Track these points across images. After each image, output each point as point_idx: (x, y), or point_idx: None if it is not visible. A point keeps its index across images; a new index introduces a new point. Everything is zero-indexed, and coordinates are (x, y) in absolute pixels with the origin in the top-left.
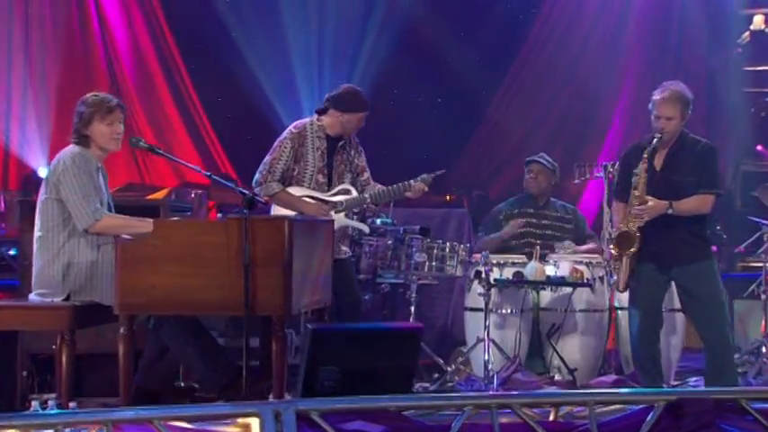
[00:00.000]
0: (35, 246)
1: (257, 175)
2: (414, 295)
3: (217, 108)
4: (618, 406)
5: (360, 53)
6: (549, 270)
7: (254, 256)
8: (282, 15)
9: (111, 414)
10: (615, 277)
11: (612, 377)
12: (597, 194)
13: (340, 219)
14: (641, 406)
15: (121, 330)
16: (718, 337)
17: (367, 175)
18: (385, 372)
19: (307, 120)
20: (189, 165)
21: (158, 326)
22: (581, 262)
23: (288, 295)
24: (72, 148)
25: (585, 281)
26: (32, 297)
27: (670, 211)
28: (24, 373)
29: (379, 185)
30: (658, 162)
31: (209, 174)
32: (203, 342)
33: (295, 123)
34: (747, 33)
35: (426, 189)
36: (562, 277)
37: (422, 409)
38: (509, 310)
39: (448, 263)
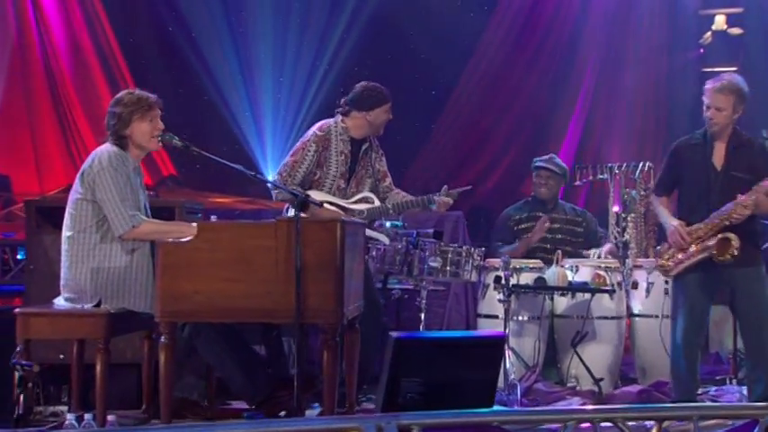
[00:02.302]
0: (63, 246)
1: (276, 177)
2: (424, 301)
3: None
4: (719, 421)
5: (319, 61)
6: (569, 275)
7: (304, 260)
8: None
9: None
10: (669, 262)
11: (637, 387)
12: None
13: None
14: (745, 421)
15: (162, 339)
16: (763, 343)
17: (389, 180)
18: (468, 383)
19: (331, 121)
20: (233, 165)
21: (194, 335)
22: (599, 267)
23: (340, 302)
24: (108, 147)
25: (609, 286)
26: (59, 302)
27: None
28: (29, 385)
29: (402, 193)
30: (718, 159)
31: (253, 174)
32: (242, 352)
33: (320, 125)
34: (709, 34)
35: (451, 203)
36: (585, 283)
37: (526, 424)
38: (526, 318)
39: (463, 267)
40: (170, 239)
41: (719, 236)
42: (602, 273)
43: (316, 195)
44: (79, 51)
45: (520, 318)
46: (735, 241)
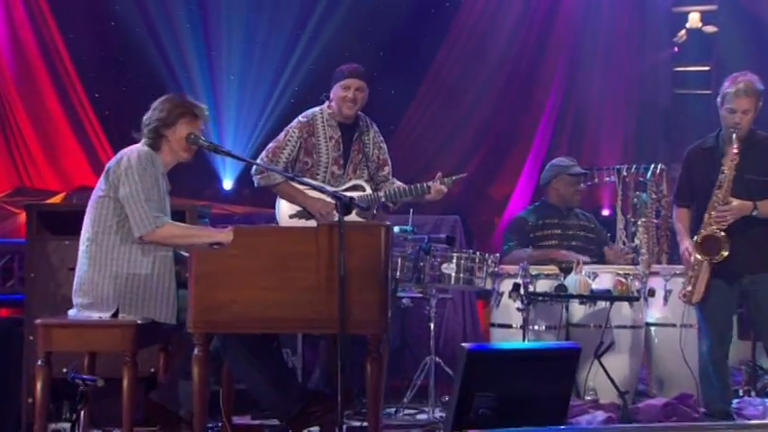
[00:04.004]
0: (81, 248)
1: (258, 161)
2: (434, 311)
3: (105, 103)
4: None
5: (284, 67)
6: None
7: (347, 267)
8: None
9: None
10: (689, 287)
11: (662, 400)
12: (523, 200)
13: (350, 218)
14: None
15: (196, 352)
16: None
17: (388, 170)
18: (541, 398)
19: (316, 108)
20: (268, 167)
21: (224, 347)
22: (617, 273)
23: (384, 311)
24: (140, 147)
25: (632, 293)
26: (73, 312)
27: (755, 213)
28: (30, 400)
29: (399, 183)
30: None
31: (289, 174)
32: (273, 365)
33: (304, 113)
34: (683, 32)
35: (445, 191)
36: (607, 290)
37: None
38: (543, 327)
39: (477, 274)
40: (200, 243)
41: (697, 238)
42: (623, 279)
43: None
44: (21, 48)
45: (536, 327)
46: (720, 235)
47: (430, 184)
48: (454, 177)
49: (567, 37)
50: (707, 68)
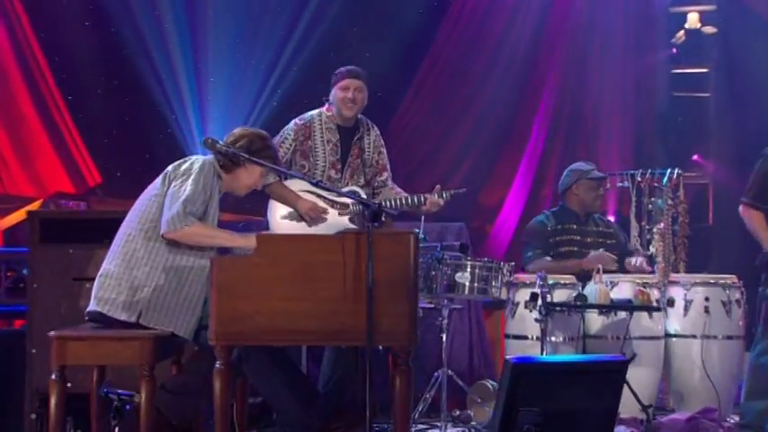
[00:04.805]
0: (116, 243)
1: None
2: (446, 321)
3: (81, 106)
4: None
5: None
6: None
7: (374, 276)
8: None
9: None
10: None
11: (685, 414)
12: (517, 207)
13: (341, 222)
14: None
15: (217, 365)
16: None
17: (386, 175)
18: (588, 413)
19: (315, 111)
20: (299, 175)
21: (244, 358)
22: (636, 282)
23: (414, 322)
24: (209, 157)
25: (654, 303)
26: (90, 306)
27: None
28: (33, 416)
29: (396, 189)
30: None
31: (316, 181)
32: (295, 378)
33: (301, 115)
34: (682, 32)
35: (442, 204)
36: (629, 300)
37: None
38: (561, 339)
39: (492, 283)
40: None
41: None
42: (644, 289)
43: (295, 185)
44: None
45: (553, 339)
46: None
47: (427, 195)
48: (453, 191)
49: (559, 39)
50: (705, 71)
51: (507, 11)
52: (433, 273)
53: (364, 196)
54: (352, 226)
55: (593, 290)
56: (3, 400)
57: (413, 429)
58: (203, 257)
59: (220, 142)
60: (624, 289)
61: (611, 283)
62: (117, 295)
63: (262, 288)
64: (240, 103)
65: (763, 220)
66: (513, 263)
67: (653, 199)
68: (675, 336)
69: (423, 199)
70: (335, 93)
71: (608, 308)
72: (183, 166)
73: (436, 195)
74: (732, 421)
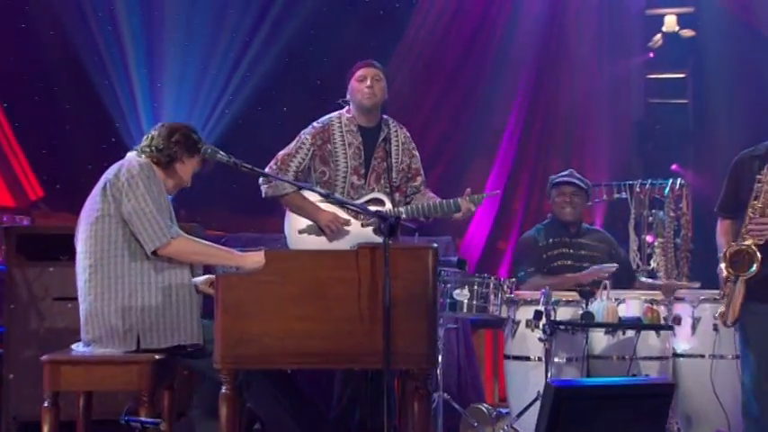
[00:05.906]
0: (80, 278)
1: (266, 170)
2: (441, 341)
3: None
4: None
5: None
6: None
7: (391, 294)
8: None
9: None
10: (722, 308)
11: None
12: (487, 219)
13: (364, 234)
14: None
15: (224, 389)
16: None
17: (420, 180)
18: None
19: (334, 113)
20: (308, 186)
21: (246, 384)
22: (647, 299)
23: (433, 343)
24: (138, 158)
25: (664, 321)
26: (78, 348)
27: None
28: None
29: (430, 194)
30: None
31: (328, 193)
32: (300, 405)
33: (320, 119)
34: (659, 36)
35: (474, 210)
36: (637, 318)
37: None
38: (564, 359)
39: (492, 301)
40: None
41: (727, 251)
42: (653, 306)
43: (313, 195)
44: None
45: (557, 359)
46: (750, 250)
47: (459, 200)
48: (485, 195)
49: (530, 43)
50: (682, 76)
51: (476, 17)
52: None
53: (389, 204)
54: (378, 239)
55: (600, 307)
56: None
57: None
58: (184, 267)
59: (220, 151)
60: (632, 306)
61: (616, 299)
62: (107, 330)
63: (271, 307)
64: (196, 114)
65: (729, 231)
66: (514, 279)
67: (653, 211)
68: (683, 356)
69: (456, 205)
70: (352, 86)
71: (617, 326)
72: (121, 177)
73: (468, 199)
74: None
